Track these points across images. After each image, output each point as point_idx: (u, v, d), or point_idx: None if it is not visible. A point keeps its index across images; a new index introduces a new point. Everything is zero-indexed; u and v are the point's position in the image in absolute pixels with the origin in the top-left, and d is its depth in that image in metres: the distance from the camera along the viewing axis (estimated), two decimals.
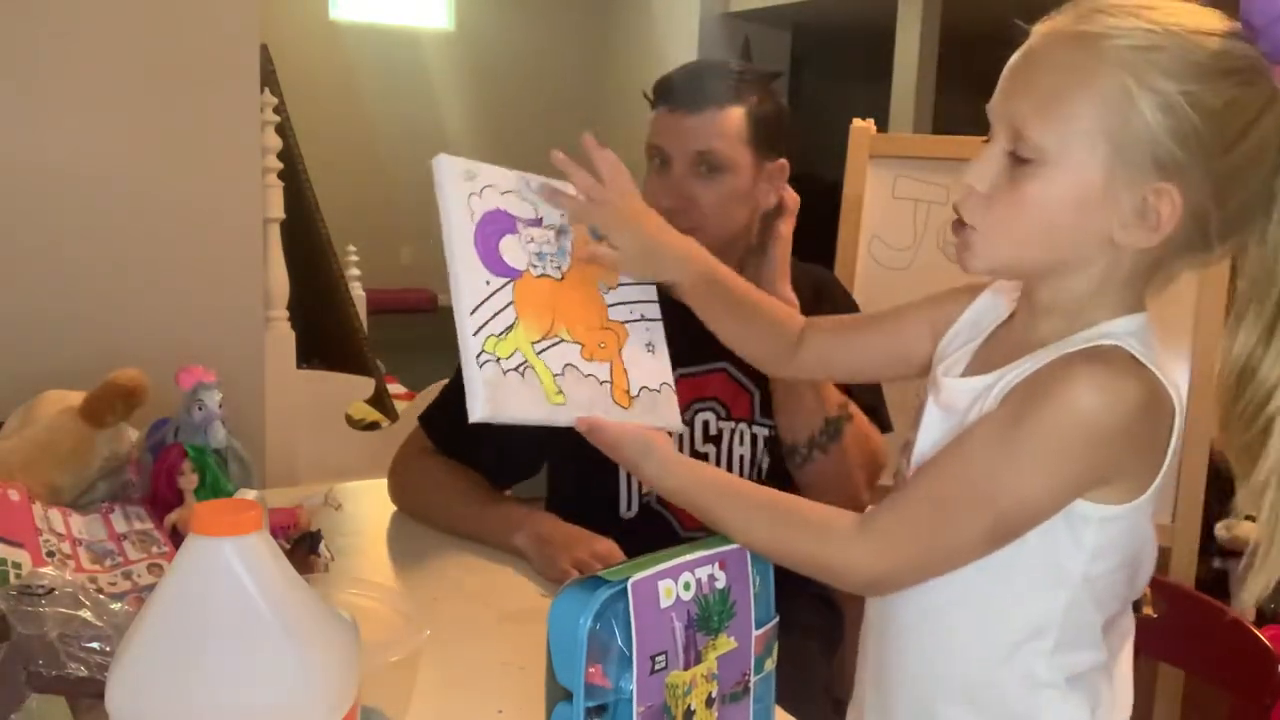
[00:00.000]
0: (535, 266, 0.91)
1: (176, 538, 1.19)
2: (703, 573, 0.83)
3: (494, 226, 0.90)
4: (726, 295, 1.04)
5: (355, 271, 4.41)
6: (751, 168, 1.41)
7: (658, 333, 1.00)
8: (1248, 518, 2.92)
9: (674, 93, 1.39)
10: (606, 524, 1.40)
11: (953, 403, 0.88)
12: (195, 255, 2.11)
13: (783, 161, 1.47)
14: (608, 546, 1.31)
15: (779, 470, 1.43)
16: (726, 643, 0.84)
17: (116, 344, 1.83)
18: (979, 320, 0.94)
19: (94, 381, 1.36)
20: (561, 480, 1.56)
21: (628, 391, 0.95)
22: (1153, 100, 0.75)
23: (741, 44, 8.04)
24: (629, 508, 1.47)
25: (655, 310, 1.01)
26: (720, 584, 0.84)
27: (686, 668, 0.82)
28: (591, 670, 0.77)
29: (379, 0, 8.52)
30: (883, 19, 7.04)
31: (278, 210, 2.43)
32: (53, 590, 0.88)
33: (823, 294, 1.52)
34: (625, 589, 0.78)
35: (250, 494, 1.23)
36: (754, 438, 1.45)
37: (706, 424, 1.46)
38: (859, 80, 8.50)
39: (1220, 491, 2.74)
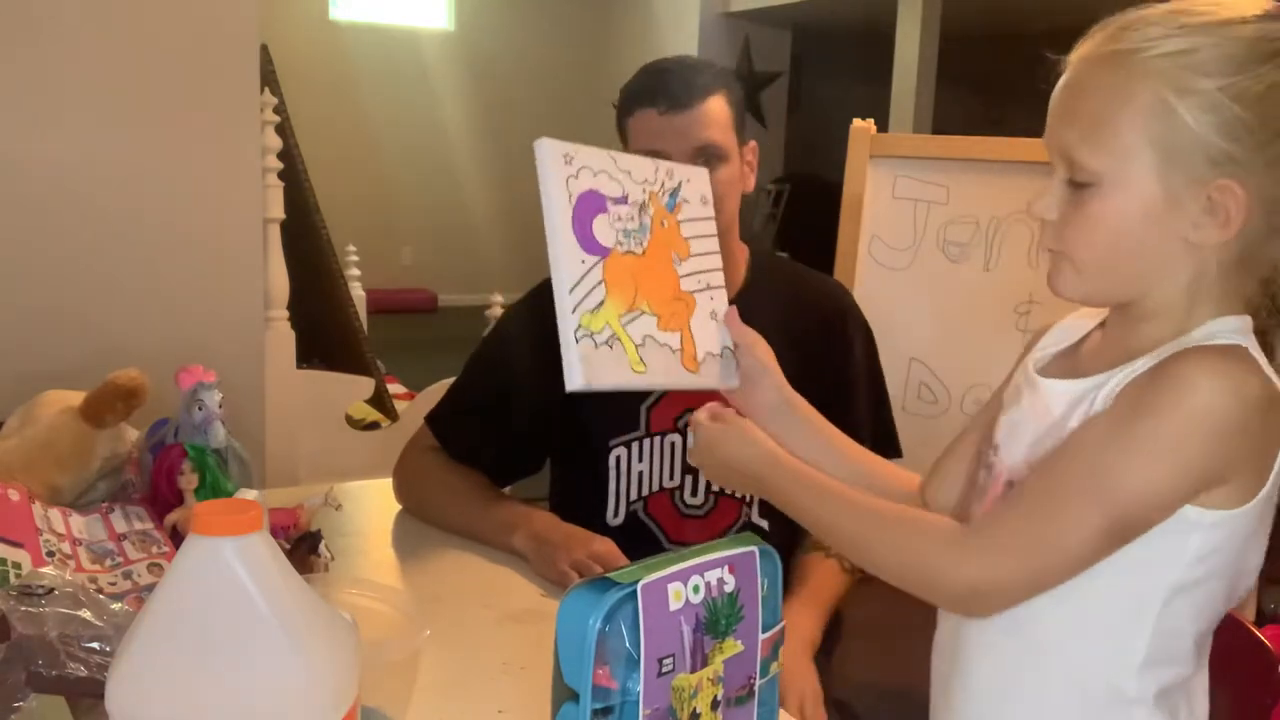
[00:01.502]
0: (621, 244, 0.95)
1: (176, 538, 1.19)
2: (712, 576, 0.83)
3: (588, 207, 0.93)
4: (822, 440, 1.07)
5: (355, 271, 4.41)
6: (738, 152, 1.44)
7: (721, 300, 1.04)
8: None
9: (661, 94, 1.40)
10: (594, 530, 1.39)
11: (1050, 406, 0.86)
12: (195, 255, 2.11)
13: (753, 143, 1.49)
14: (606, 546, 1.31)
15: None
16: (733, 646, 0.84)
17: (116, 344, 1.83)
18: (1062, 338, 0.94)
19: (94, 381, 1.36)
20: (558, 483, 1.57)
21: (695, 357, 1.00)
22: (1193, 103, 0.76)
23: (741, 44, 8.04)
24: (616, 515, 1.48)
25: (720, 278, 1.05)
26: (729, 587, 0.84)
27: (693, 671, 0.81)
28: (599, 672, 0.77)
29: (379, 0, 8.52)
30: (883, 19, 7.04)
31: (278, 210, 2.43)
32: (53, 590, 0.88)
33: (833, 326, 1.51)
34: (635, 591, 0.78)
35: (250, 494, 1.23)
36: None
37: None
38: (859, 80, 8.50)
39: None
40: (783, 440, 1.00)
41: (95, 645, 0.84)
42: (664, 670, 0.79)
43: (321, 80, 7.65)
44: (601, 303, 0.93)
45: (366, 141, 8.25)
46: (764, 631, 0.87)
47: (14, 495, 1.13)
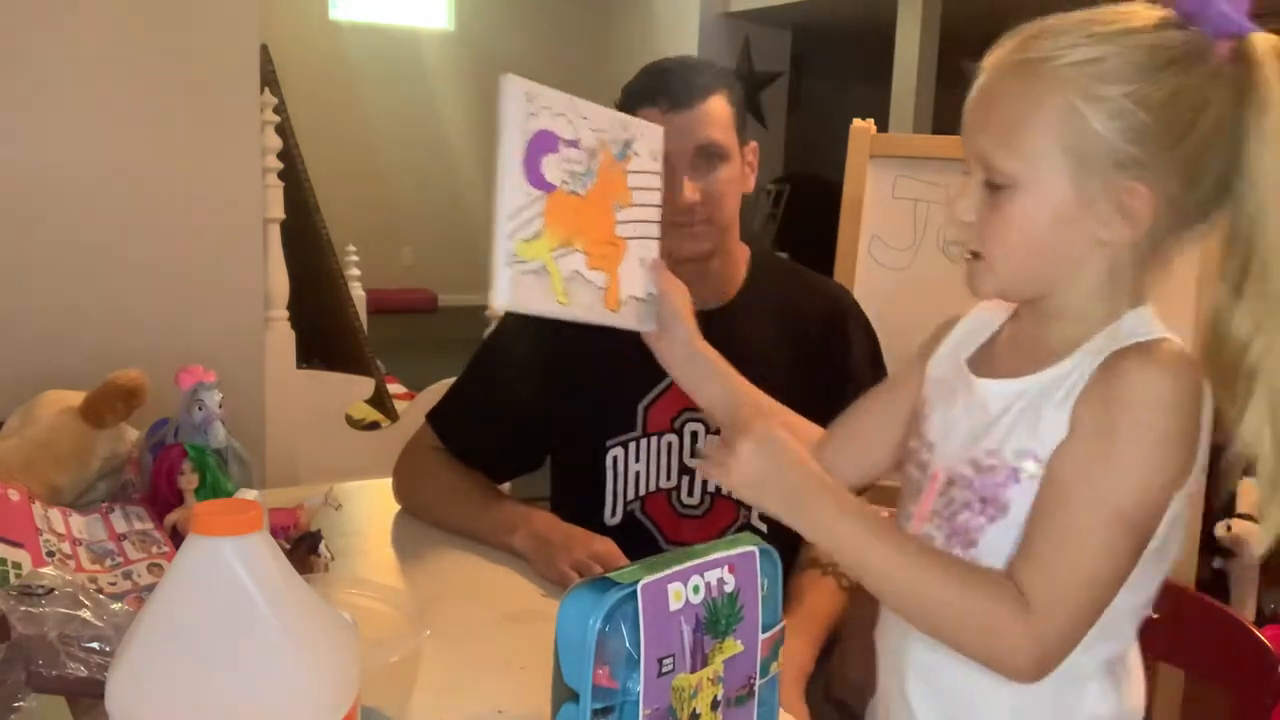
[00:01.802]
0: (566, 184, 1.00)
1: (176, 538, 1.19)
2: (712, 576, 0.83)
3: (540, 145, 0.98)
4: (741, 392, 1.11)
5: (355, 271, 4.41)
6: (739, 152, 1.44)
7: (652, 249, 1.10)
8: (1247, 517, 2.93)
9: (662, 94, 1.40)
10: (592, 529, 1.39)
11: (986, 404, 0.89)
12: (195, 255, 2.11)
13: (754, 143, 1.49)
14: (606, 546, 1.31)
15: None
16: (733, 646, 0.84)
17: (116, 344, 1.83)
18: (976, 330, 0.97)
19: (94, 381, 1.36)
20: (557, 481, 1.57)
21: (618, 298, 1.06)
22: (1101, 109, 0.79)
23: (741, 44, 8.04)
24: (614, 515, 1.48)
25: (655, 230, 1.10)
26: (729, 588, 0.84)
27: (693, 671, 0.82)
28: (599, 672, 0.77)
29: (379, 0, 8.52)
30: (883, 19, 7.04)
31: (278, 210, 2.43)
32: (53, 590, 0.88)
33: (833, 326, 1.51)
34: (635, 591, 0.78)
35: (250, 494, 1.23)
36: None
37: (695, 435, 1.46)
38: (859, 80, 8.50)
39: (1221, 491, 2.74)
40: (693, 388, 1.10)
41: (95, 645, 0.84)
42: (664, 670, 0.79)
43: (321, 80, 7.65)
44: (538, 234, 0.98)
45: (366, 141, 8.26)
46: (764, 631, 0.87)
47: (14, 495, 1.14)
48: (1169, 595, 1.38)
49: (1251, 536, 2.88)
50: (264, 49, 2.24)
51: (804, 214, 7.52)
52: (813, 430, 1.11)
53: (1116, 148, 0.80)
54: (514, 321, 1.55)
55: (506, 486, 1.63)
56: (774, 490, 0.87)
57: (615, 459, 1.46)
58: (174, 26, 2.04)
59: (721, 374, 1.11)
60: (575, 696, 0.77)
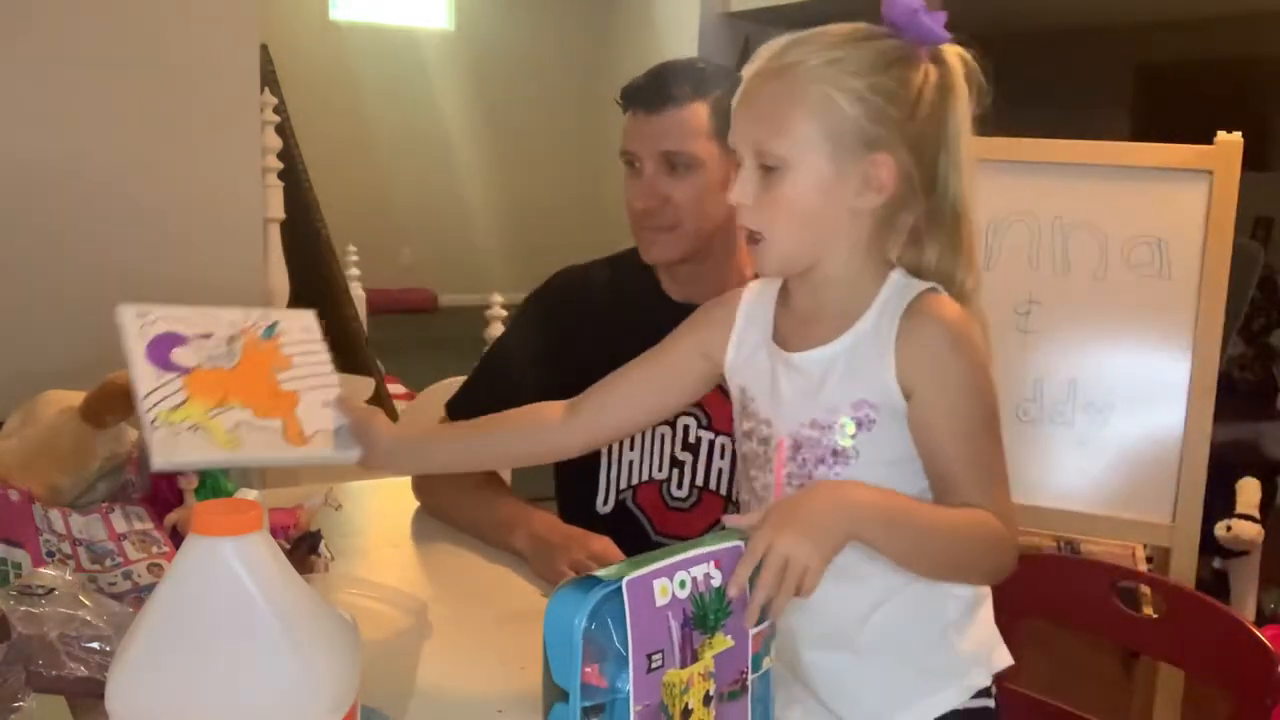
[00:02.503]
0: (207, 363, 1.15)
1: (176, 538, 1.19)
2: (698, 571, 0.83)
3: (166, 342, 1.14)
4: (453, 438, 1.26)
5: (355, 271, 4.42)
6: (722, 161, 1.40)
7: (332, 392, 1.22)
8: (1247, 517, 2.93)
9: (636, 96, 1.41)
10: (585, 516, 1.43)
11: (808, 371, 1.03)
12: (195, 255, 2.11)
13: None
14: (603, 545, 1.31)
15: None
16: (723, 641, 0.85)
17: (117, 344, 1.83)
18: (756, 316, 1.10)
19: (94, 381, 1.36)
20: (557, 467, 1.59)
21: (302, 434, 1.16)
22: (848, 97, 0.97)
23: (741, 44, 8.04)
24: (606, 502, 1.49)
25: (334, 379, 1.23)
26: (716, 582, 0.84)
27: (683, 666, 0.82)
28: (588, 670, 0.77)
29: (379, 0, 8.52)
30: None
31: (278, 210, 2.43)
32: (53, 590, 0.88)
33: None
34: (620, 588, 0.78)
35: (250, 494, 1.24)
36: (735, 454, 1.45)
37: (687, 429, 1.47)
38: None
39: (1220, 491, 2.74)
40: (421, 467, 1.28)
41: (95, 645, 0.85)
42: (653, 666, 0.79)
43: (321, 80, 7.65)
44: (183, 403, 1.11)
45: (366, 141, 8.25)
46: (754, 626, 0.87)
47: (14, 495, 1.14)
48: (1169, 595, 1.38)
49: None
50: (264, 49, 2.24)
51: None
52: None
53: (863, 127, 0.97)
54: (528, 306, 1.58)
55: (510, 483, 1.63)
56: (830, 539, 0.90)
57: (610, 446, 1.48)
58: (174, 26, 2.04)
59: (431, 438, 1.27)
60: (565, 696, 0.77)
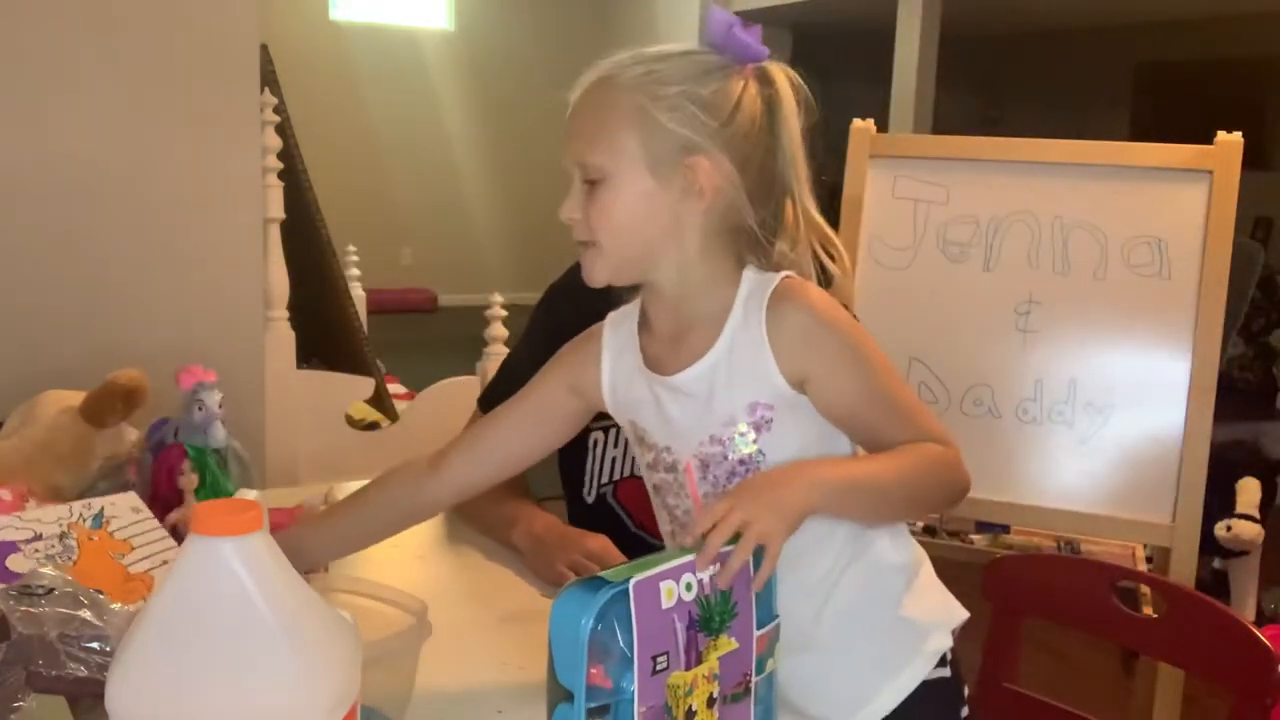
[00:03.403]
0: (44, 564, 1.10)
1: (176, 538, 1.19)
2: (704, 574, 0.84)
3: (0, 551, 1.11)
4: (323, 528, 1.19)
5: (355, 271, 4.41)
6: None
7: None
8: (1247, 517, 2.93)
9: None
10: (573, 504, 1.47)
11: (694, 393, 1.04)
12: (195, 255, 2.11)
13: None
14: (601, 544, 1.32)
15: None
16: (728, 643, 0.85)
17: (116, 344, 1.83)
18: (622, 348, 1.10)
19: (94, 381, 1.36)
20: (557, 455, 1.59)
21: None
22: (663, 105, 0.99)
23: None
24: (589, 493, 1.50)
25: (176, 551, 1.16)
26: (719, 587, 0.84)
27: (688, 668, 0.82)
28: (593, 671, 0.77)
29: (379, 0, 8.52)
30: (883, 19, 7.04)
31: (278, 210, 2.43)
32: (53, 590, 0.88)
33: None
34: (627, 590, 0.78)
35: (250, 494, 1.24)
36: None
37: None
38: (859, 80, 8.50)
39: (1220, 491, 2.74)
40: (334, 555, 1.21)
41: (95, 645, 0.85)
42: (658, 668, 0.79)
43: (321, 80, 7.64)
44: None
45: (366, 141, 8.24)
46: (759, 628, 0.87)
47: (5, 495, 1.14)
48: (1169, 595, 1.38)
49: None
50: (264, 49, 2.23)
51: None
52: None
53: (678, 133, 0.99)
54: (543, 307, 1.59)
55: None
56: (792, 512, 0.92)
57: (596, 441, 1.49)
58: (174, 26, 2.03)
59: (302, 535, 1.19)
60: (570, 696, 0.77)
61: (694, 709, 0.82)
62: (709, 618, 0.83)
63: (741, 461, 1.02)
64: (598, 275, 1.05)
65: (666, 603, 0.80)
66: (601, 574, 0.79)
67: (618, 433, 1.48)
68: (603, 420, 1.48)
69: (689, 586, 0.82)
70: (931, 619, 1.09)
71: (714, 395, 1.02)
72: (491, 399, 1.59)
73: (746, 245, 1.04)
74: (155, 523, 1.17)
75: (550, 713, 0.79)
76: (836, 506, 0.96)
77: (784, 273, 1.03)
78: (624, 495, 1.50)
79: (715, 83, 1.00)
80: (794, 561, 0.95)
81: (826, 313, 1.01)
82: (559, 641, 0.78)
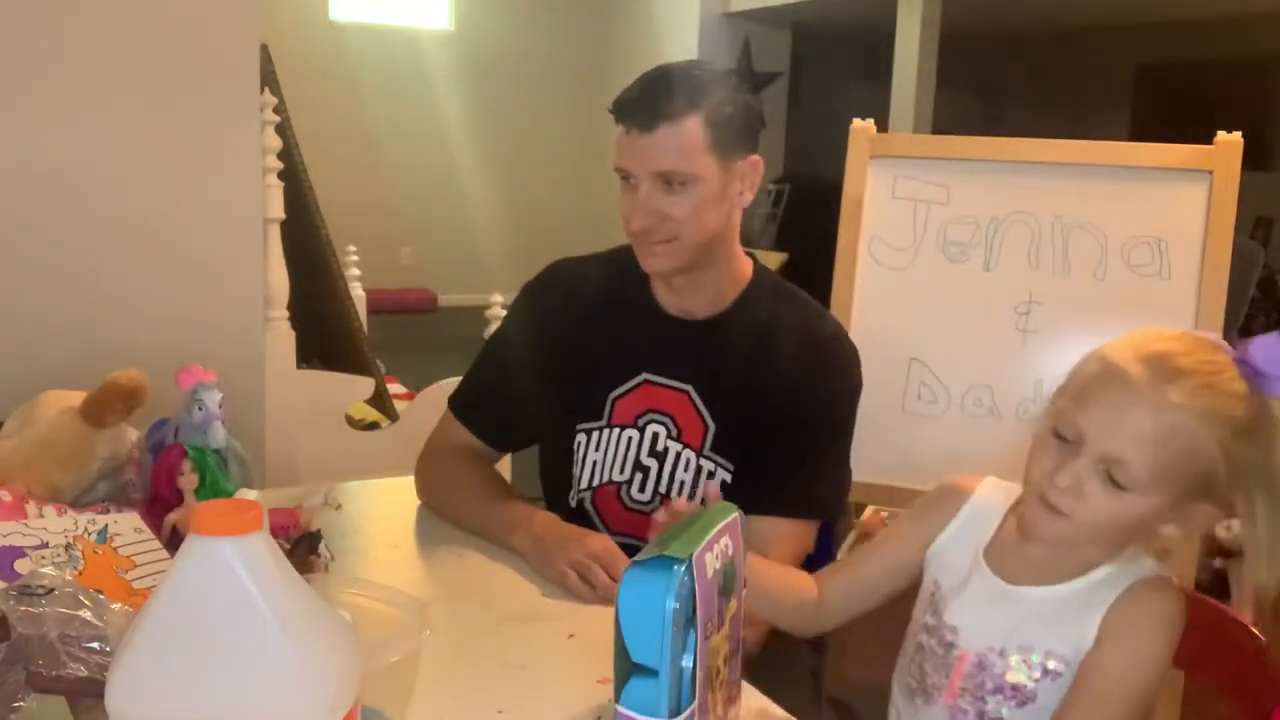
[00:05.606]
0: (54, 569, 1.12)
1: (176, 538, 1.19)
2: (723, 543, 0.87)
3: (7, 559, 1.12)
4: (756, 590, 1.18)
5: (355, 271, 4.41)
6: (719, 172, 1.38)
7: None
8: None
9: (628, 113, 1.37)
10: (554, 509, 1.47)
11: (1018, 604, 1.06)
12: (195, 255, 2.10)
13: (755, 158, 1.43)
14: (602, 544, 1.31)
15: None
16: (733, 606, 0.89)
17: (116, 344, 1.83)
18: (976, 521, 1.13)
19: (94, 381, 1.36)
20: (540, 457, 1.61)
21: None
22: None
23: (741, 44, 8.04)
24: (573, 498, 1.51)
25: None
26: (730, 552, 0.89)
27: (719, 631, 0.85)
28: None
29: (379, 0, 8.52)
30: (883, 19, 7.04)
31: (278, 210, 2.43)
32: (53, 590, 0.88)
33: (801, 370, 1.44)
34: (689, 564, 0.80)
35: (250, 494, 1.23)
36: (699, 469, 1.45)
37: (656, 436, 1.46)
38: (859, 80, 8.50)
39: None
40: None
41: (95, 645, 0.85)
42: (708, 634, 0.83)
43: (321, 80, 7.64)
44: None
45: (366, 141, 8.24)
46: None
47: (5, 496, 1.14)
48: None
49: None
50: (264, 49, 2.23)
51: (804, 214, 7.51)
52: None
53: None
54: (519, 300, 1.59)
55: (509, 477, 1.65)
56: None
57: (579, 444, 1.49)
58: (174, 26, 2.03)
59: None
60: (644, 671, 0.78)
61: (719, 668, 0.86)
62: (728, 584, 0.87)
63: (1014, 687, 1.04)
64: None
65: (709, 573, 0.83)
66: (662, 552, 0.80)
67: (600, 436, 1.48)
68: (587, 423, 1.49)
69: (717, 556, 0.85)
70: None
71: (1030, 624, 1.05)
72: (460, 398, 1.60)
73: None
74: (157, 543, 1.18)
75: (619, 690, 0.80)
76: None
77: (1162, 573, 1.05)
78: (600, 501, 1.50)
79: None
80: None
81: (1171, 628, 1.03)
82: (633, 622, 0.79)
